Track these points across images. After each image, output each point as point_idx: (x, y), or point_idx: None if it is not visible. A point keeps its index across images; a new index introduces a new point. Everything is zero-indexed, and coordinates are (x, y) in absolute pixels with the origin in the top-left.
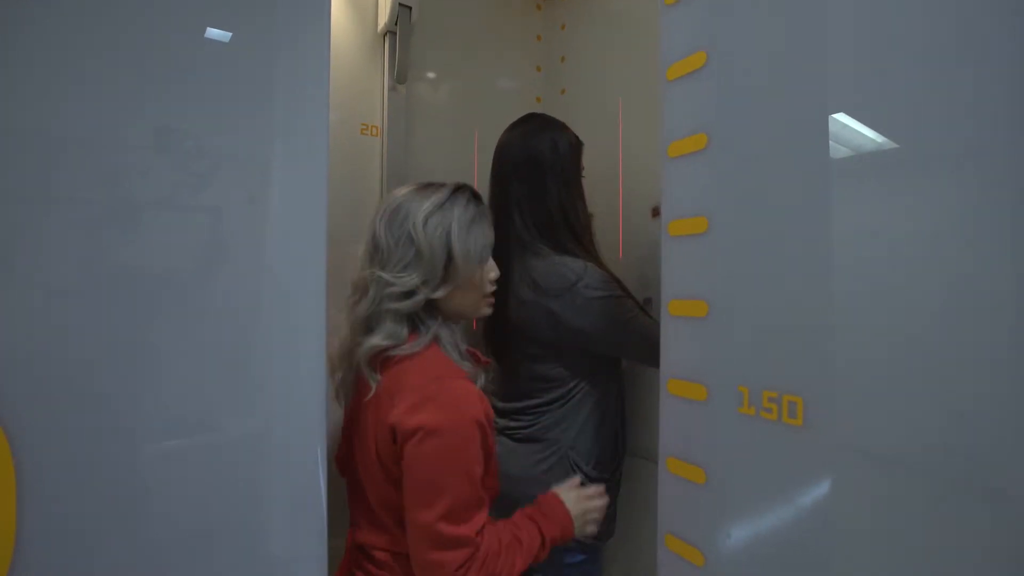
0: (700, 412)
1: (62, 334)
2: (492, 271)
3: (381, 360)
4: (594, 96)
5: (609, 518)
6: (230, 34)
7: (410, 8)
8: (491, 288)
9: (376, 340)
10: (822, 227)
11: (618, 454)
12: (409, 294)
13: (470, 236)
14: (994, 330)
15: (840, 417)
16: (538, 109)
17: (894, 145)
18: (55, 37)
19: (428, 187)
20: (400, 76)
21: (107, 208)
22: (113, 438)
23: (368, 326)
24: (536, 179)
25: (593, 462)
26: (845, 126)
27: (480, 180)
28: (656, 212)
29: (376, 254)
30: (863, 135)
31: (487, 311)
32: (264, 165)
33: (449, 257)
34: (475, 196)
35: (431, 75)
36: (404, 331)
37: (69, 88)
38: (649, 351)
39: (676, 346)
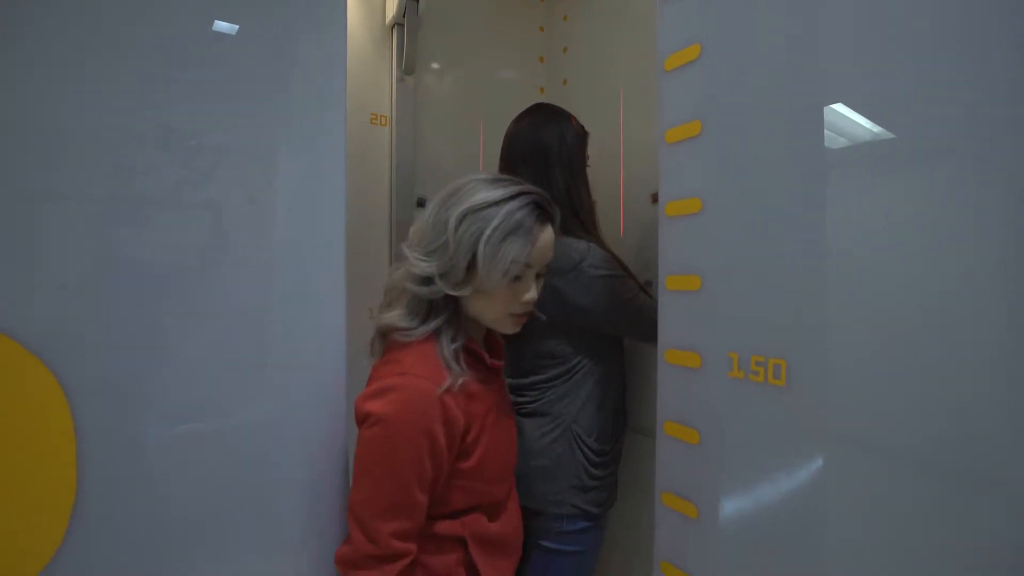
0: (694, 378)
1: (119, 314)
2: (526, 292)
3: (389, 339)
4: (595, 86)
5: (611, 487)
6: (257, 34)
7: (417, 1)
8: (520, 309)
9: (387, 317)
10: (806, 208)
11: (619, 428)
12: (426, 281)
13: (501, 247)
14: (961, 301)
15: (818, 377)
16: (541, 99)
17: (877, 131)
18: (92, 36)
19: (496, 182)
20: (408, 67)
21: (154, 198)
22: (160, 409)
23: (389, 299)
24: (543, 167)
25: (595, 435)
26: (833, 114)
27: (487, 169)
28: (655, 198)
29: (417, 229)
30: (848, 121)
31: (510, 330)
32: (290, 155)
33: (473, 260)
34: (536, 206)
35: (438, 66)
36: (417, 317)
37: (94, 86)
38: (648, 329)
39: (672, 318)
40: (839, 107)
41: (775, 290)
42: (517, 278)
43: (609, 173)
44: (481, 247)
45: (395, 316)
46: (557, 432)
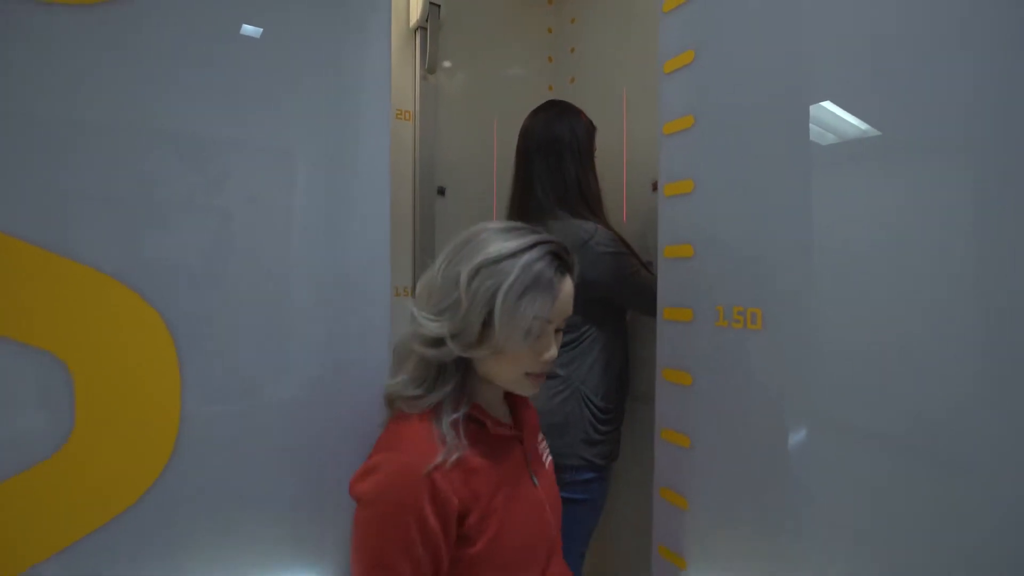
0: (687, 330)
1: (213, 257)
2: (546, 351)
3: (395, 407)
4: (600, 84)
5: (614, 443)
6: (314, 44)
7: (439, 6)
8: (539, 368)
9: (393, 385)
10: (779, 187)
11: (622, 389)
12: (437, 342)
13: (520, 303)
14: (901, 253)
15: (788, 321)
16: (550, 96)
17: (844, 123)
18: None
19: (510, 231)
20: (431, 67)
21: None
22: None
23: (396, 362)
24: (556, 158)
25: (601, 395)
26: (803, 109)
27: (500, 159)
28: (655, 187)
29: (425, 285)
30: (825, 115)
31: (528, 391)
32: (343, 147)
33: (489, 319)
34: (555, 256)
35: (456, 65)
36: (424, 383)
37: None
38: (648, 300)
39: (669, 281)
40: (811, 105)
41: (753, 253)
42: (536, 335)
43: (613, 162)
44: (499, 304)
45: (400, 384)
46: (567, 392)
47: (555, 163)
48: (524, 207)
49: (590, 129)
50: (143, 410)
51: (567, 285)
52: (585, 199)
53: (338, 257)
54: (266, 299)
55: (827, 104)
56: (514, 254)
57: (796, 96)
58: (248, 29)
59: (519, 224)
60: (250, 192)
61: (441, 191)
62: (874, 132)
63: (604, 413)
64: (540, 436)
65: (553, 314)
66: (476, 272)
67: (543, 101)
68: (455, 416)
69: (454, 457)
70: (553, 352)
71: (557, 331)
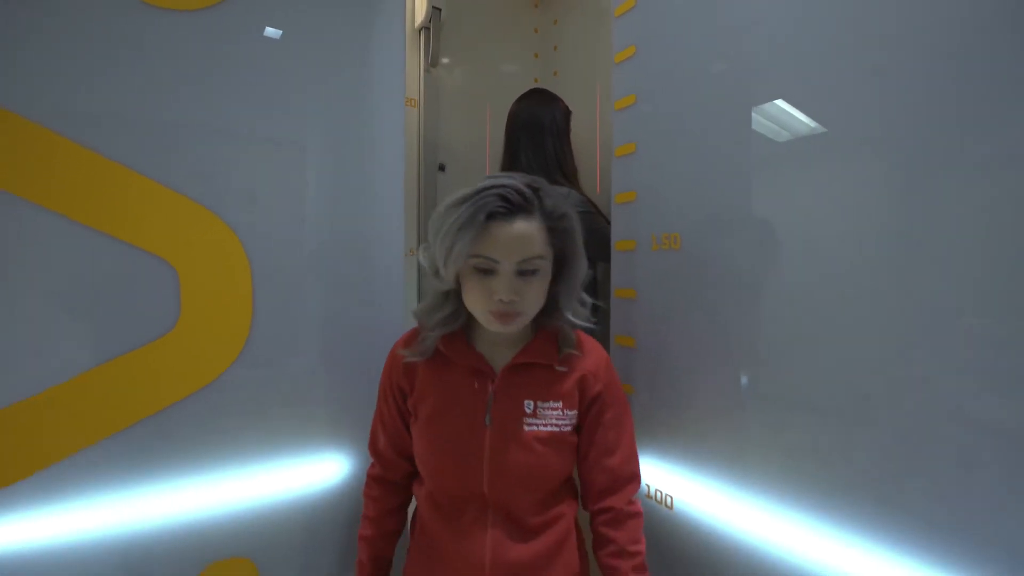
0: (632, 256)
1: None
2: (497, 292)
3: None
4: (578, 76)
5: None
6: (344, 47)
7: (440, 9)
8: (496, 307)
9: (416, 309)
10: (694, 143)
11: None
12: (434, 273)
13: (454, 240)
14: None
15: (699, 243)
16: (536, 86)
17: (747, 91)
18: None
19: (485, 179)
20: (433, 61)
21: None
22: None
23: (422, 291)
24: (538, 136)
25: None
26: (715, 83)
27: (492, 141)
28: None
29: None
30: (725, 90)
31: (495, 327)
32: (368, 130)
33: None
34: (501, 199)
35: (455, 61)
36: (430, 307)
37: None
38: (607, 248)
39: (619, 221)
40: (722, 85)
41: (676, 193)
42: (486, 272)
43: (588, 140)
44: (439, 241)
45: (419, 306)
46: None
47: (538, 141)
48: None
49: (567, 113)
50: (227, 307)
51: (509, 226)
52: (562, 170)
53: (364, 217)
54: (312, 235)
55: (736, 83)
56: (465, 198)
57: (711, 79)
58: (286, 34)
59: (502, 173)
60: (302, 159)
61: (442, 167)
62: (775, 101)
63: None
64: (555, 404)
65: (485, 250)
66: (439, 214)
67: (527, 90)
68: (436, 332)
69: (414, 354)
70: (503, 293)
71: (523, 273)
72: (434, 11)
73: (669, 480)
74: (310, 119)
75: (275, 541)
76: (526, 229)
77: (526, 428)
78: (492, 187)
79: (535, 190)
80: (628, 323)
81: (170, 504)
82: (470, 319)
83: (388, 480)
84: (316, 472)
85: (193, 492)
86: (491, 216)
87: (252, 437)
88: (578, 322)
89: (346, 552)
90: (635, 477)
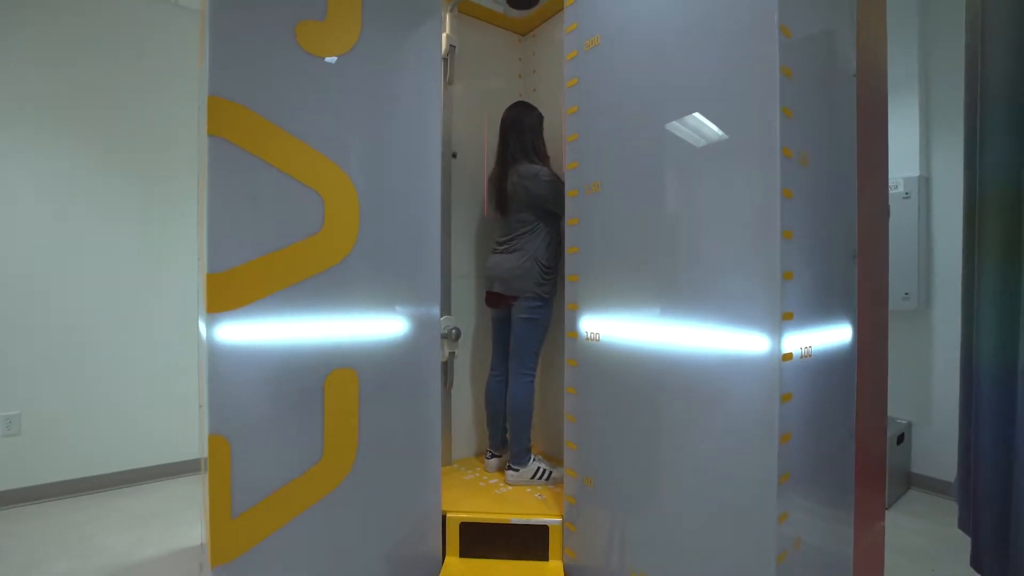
0: (575, 199)
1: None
2: None
3: None
4: (552, 94)
5: (553, 285)
6: (401, 72)
7: (455, 46)
8: None
9: None
10: (611, 135)
11: (557, 257)
12: None
13: None
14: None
15: (610, 188)
16: (519, 99)
17: (663, 84)
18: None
19: None
20: (450, 81)
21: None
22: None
23: None
24: (520, 133)
25: (545, 259)
26: (649, 73)
27: (489, 135)
28: None
29: None
30: (639, 82)
31: None
32: (423, 135)
33: None
34: None
35: (465, 80)
36: None
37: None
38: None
39: (569, 179)
40: (637, 85)
41: (598, 160)
42: None
43: (556, 135)
44: None
45: None
46: (526, 257)
47: (520, 135)
48: (503, 160)
49: (540, 117)
50: (346, 220)
51: None
52: (537, 154)
53: (416, 178)
54: (389, 184)
55: (639, 104)
56: None
57: (622, 99)
58: (380, 71)
59: None
60: (385, 142)
61: (454, 155)
62: (675, 90)
63: (547, 270)
64: None
65: None
66: None
67: (513, 102)
68: None
69: None
70: None
71: None
72: (451, 46)
73: (598, 325)
74: (389, 120)
75: (367, 359)
76: None
77: None
78: None
79: None
80: (575, 231)
81: (317, 329)
82: None
83: None
84: (390, 323)
85: (328, 324)
86: None
87: (360, 295)
88: None
89: (412, 371)
90: None
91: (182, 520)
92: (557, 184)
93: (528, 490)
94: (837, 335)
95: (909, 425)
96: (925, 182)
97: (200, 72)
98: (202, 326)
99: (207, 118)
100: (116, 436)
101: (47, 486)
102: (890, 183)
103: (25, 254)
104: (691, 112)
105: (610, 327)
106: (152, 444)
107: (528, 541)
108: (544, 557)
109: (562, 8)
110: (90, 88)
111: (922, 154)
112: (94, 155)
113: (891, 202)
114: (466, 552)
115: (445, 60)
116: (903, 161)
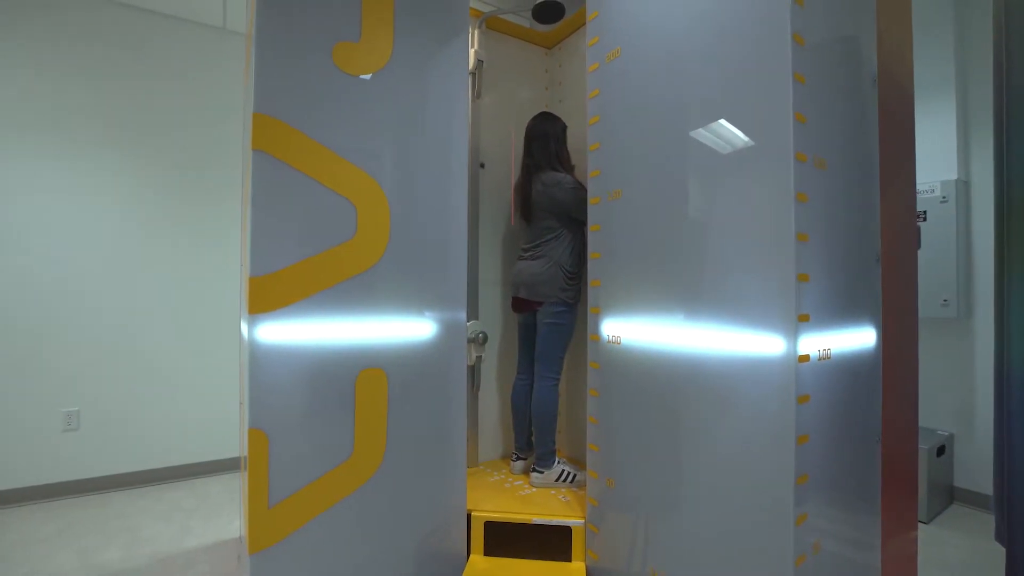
0: (596, 206)
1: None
2: None
3: None
4: (576, 104)
5: (577, 291)
6: (436, 87)
7: (483, 61)
8: None
9: None
10: (631, 146)
11: (581, 263)
12: None
13: None
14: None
15: (631, 195)
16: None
17: (681, 93)
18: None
19: None
20: (479, 94)
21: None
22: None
23: None
24: (545, 141)
25: (569, 264)
26: (669, 83)
27: (515, 146)
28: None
29: None
30: (659, 91)
31: None
32: (452, 143)
33: None
34: None
35: (493, 93)
36: None
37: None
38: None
39: (591, 187)
40: (678, 82)
41: (619, 169)
42: None
43: (581, 147)
44: None
45: None
46: (551, 263)
47: (545, 145)
48: (528, 168)
49: (564, 128)
50: (378, 228)
51: None
52: (561, 163)
53: (446, 187)
54: (420, 193)
55: (656, 115)
56: None
57: (640, 110)
58: (411, 89)
59: None
60: (416, 153)
61: (482, 165)
62: (692, 100)
63: (571, 276)
64: None
65: None
66: None
67: (538, 112)
68: None
69: None
70: None
71: None
72: (479, 61)
73: (619, 328)
74: (419, 132)
75: (396, 360)
76: None
77: None
78: None
79: None
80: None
81: (349, 331)
82: None
83: None
84: (419, 326)
85: (360, 326)
86: None
87: (390, 299)
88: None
89: (439, 373)
90: None
91: (223, 513)
92: (580, 191)
93: (552, 492)
94: (859, 338)
95: (951, 437)
96: (964, 186)
97: (245, 91)
98: (244, 327)
99: (251, 133)
100: (165, 433)
101: (102, 479)
102: (927, 187)
103: (85, 264)
104: (707, 120)
105: (631, 330)
106: (198, 441)
107: (552, 542)
108: (567, 558)
109: (585, 22)
110: (148, 110)
111: (960, 157)
112: (154, 175)
113: (928, 206)
114: (491, 551)
115: (473, 75)
116: (940, 164)
